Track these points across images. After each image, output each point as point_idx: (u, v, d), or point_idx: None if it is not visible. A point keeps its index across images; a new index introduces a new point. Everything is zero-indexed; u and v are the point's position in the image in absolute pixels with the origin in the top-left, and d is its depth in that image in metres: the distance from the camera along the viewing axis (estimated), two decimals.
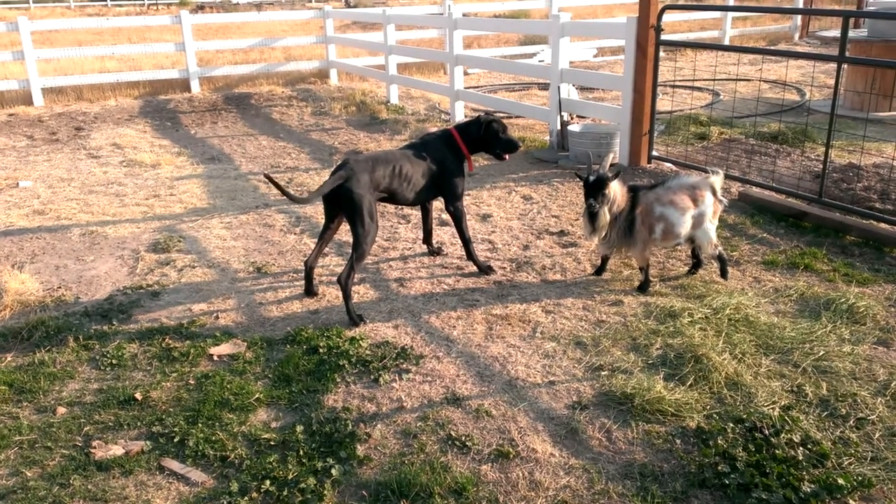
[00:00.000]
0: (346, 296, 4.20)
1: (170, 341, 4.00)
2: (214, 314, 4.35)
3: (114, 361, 3.81)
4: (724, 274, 4.53)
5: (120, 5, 35.41)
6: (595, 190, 4.16)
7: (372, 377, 3.59)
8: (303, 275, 4.71)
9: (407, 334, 4.03)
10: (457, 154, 4.70)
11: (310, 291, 4.54)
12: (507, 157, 4.82)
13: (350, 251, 4.31)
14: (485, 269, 4.79)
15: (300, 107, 11.28)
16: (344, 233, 5.54)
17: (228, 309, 4.42)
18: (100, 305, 4.50)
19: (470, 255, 4.80)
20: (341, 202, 4.27)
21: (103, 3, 36.21)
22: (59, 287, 4.81)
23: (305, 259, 4.58)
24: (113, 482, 2.91)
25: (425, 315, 4.25)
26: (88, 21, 13.78)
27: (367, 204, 4.22)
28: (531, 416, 3.26)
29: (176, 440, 3.14)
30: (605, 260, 4.71)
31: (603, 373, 3.56)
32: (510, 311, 4.25)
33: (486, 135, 4.70)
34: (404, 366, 3.70)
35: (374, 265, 5.02)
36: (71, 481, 2.90)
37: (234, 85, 12.72)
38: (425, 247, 5.21)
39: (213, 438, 3.13)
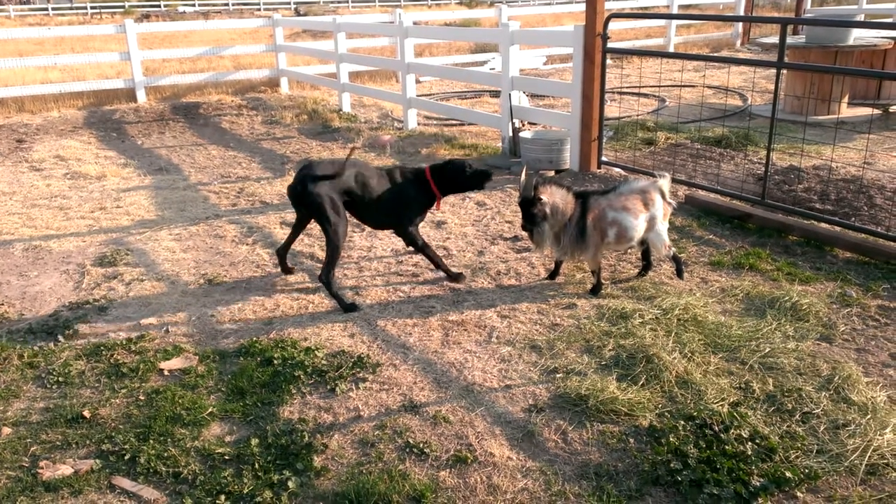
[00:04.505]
0: (331, 291, 4.38)
1: (118, 357, 3.90)
2: (164, 328, 4.27)
3: (60, 379, 3.71)
4: (679, 274, 4.63)
5: (62, 15, 34.56)
6: (524, 211, 4.25)
7: (328, 387, 3.57)
8: (256, 285, 4.74)
9: (363, 343, 4.02)
10: (424, 189, 4.62)
11: (286, 269, 4.93)
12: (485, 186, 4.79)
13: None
14: (454, 277, 4.75)
15: (250, 116, 11.15)
16: (301, 244, 5.51)
17: (179, 322, 4.35)
18: (45, 322, 4.37)
19: (439, 267, 4.76)
20: (304, 203, 4.34)
21: (45, 12, 35.28)
22: (2, 304, 4.65)
23: (277, 248, 4.94)
24: (62, 503, 2.83)
25: (381, 323, 4.24)
26: (29, 31, 13.38)
27: (328, 201, 4.26)
28: (488, 420, 3.27)
29: (127, 457, 3.07)
30: (558, 264, 4.77)
31: (558, 375, 3.60)
32: (466, 316, 4.27)
33: (450, 174, 4.64)
34: (361, 374, 3.68)
35: None
36: (18, 503, 2.82)
37: (181, 94, 12.51)
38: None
39: (166, 455, 3.07)
